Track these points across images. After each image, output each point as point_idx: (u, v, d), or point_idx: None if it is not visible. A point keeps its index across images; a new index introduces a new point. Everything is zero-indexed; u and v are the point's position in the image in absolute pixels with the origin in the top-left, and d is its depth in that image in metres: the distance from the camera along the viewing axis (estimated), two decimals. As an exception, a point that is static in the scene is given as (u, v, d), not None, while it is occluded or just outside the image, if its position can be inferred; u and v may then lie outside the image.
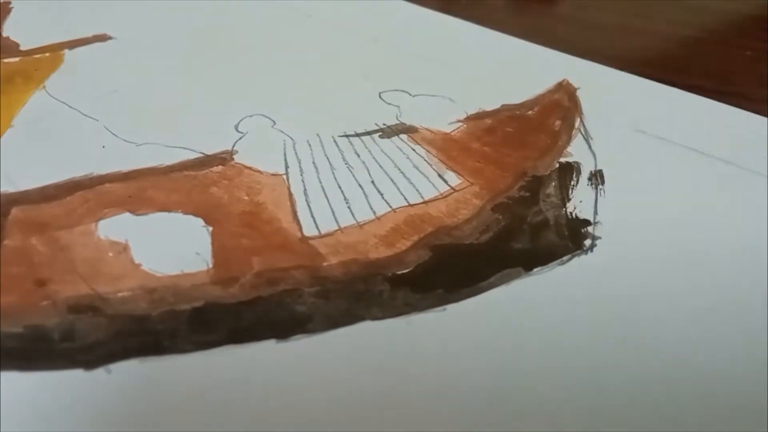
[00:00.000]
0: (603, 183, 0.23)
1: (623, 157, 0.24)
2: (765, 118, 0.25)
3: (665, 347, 0.18)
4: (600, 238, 0.21)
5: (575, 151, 0.24)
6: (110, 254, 0.20)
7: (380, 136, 0.25)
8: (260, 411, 0.16)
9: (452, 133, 0.25)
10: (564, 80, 0.28)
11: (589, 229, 0.21)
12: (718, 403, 0.16)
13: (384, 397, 0.17)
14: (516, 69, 0.30)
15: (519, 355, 0.18)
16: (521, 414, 0.16)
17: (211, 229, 0.21)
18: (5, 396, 0.17)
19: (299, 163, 0.24)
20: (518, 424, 0.16)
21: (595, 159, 0.24)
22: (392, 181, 0.23)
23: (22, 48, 0.33)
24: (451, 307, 0.19)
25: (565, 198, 0.22)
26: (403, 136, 0.25)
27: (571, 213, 0.21)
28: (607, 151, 0.24)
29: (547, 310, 0.19)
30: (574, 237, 0.21)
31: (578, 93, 0.27)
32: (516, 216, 0.21)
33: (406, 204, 0.22)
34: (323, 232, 0.21)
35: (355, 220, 0.22)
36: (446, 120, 0.26)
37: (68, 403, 0.16)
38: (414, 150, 0.25)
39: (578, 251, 0.20)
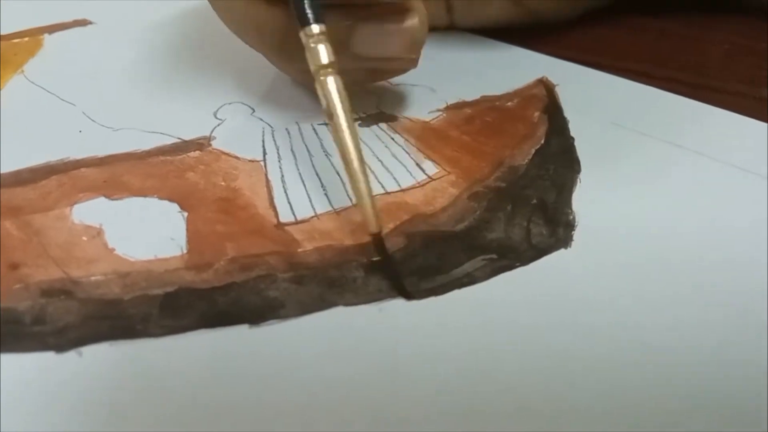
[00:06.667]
0: (580, 171, 0.23)
1: (600, 148, 0.24)
2: (738, 115, 0.25)
3: (643, 341, 0.18)
4: (576, 227, 0.21)
5: (553, 142, 0.24)
6: (84, 238, 0.20)
7: (360, 125, 0.25)
8: (231, 395, 0.16)
9: (431, 122, 0.26)
10: (543, 77, 0.28)
11: (565, 218, 0.21)
12: (702, 398, 0.17)
13: (355, 382, 0.17)
14: (495, 67, 0.29)
15: (490, 343, 0.18)
16: (492, 401, 0.16)
17: (186, 214, 0.21)
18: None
19: (277, 149, 0.24)
20: (489, 411, 0.16)
21: (573, 149, 0.24)
22: (370, 168, 0.23)
23: (0, 33, 0.33)
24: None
25: (540, 187, 0.22)
26: (383, 125, 0.25)
27: (546, 202, 0.22)
28: (584, 141, 0.24)
29: (521, 299, 0.19)
30: (550, 227, 0.21)
31: (557, 89, 0.27)
32: (491, 205, 0.22)
33: (384, 192, 0.22)
34: (299, 218, 0.21)
35: (332, 207, 0.22)
36: (426, 109, 0.26)
37: (39, 386, 0.16)
38: (393, 139, 0.25)
39: (553, 241, 0.20)
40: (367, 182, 0.19)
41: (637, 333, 0.18)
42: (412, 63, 0.24)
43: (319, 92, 0.20)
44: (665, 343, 0.17)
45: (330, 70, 0.20)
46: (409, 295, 0.19)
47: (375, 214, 0.19)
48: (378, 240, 0.19)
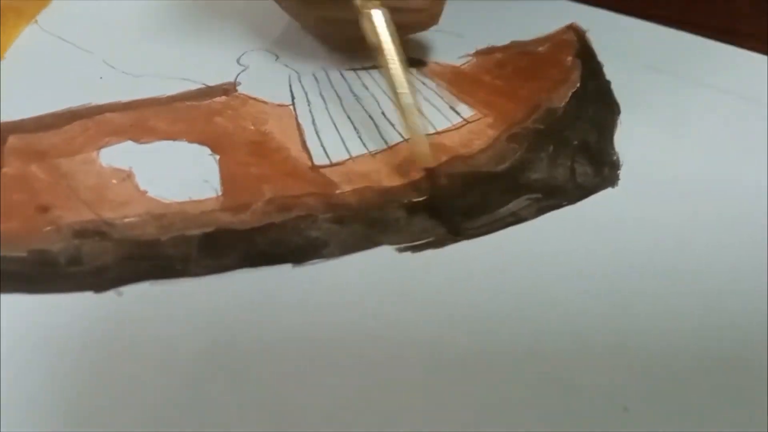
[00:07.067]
0: (620, 113, 0.22)
1: (637, 91, 0.23)
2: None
3: (693, 275, 0.17)
4: (621, 166, 0.20)
5: (589, 85, 0.24)
6: (114, 181, 0.20)
7: (389, 70, 0.25)
8: (274, 333, 0.16)
9: (462, 67, 0.25)
10: (572, 23, 0.27)
11: (609, 158, 0.20)
12: (736, 323, 0.16)
13: (400, 320, 0.16)
14: (523, 14, 0.29)
15: (536, 283, 0.17)
16: (544, 335, 0.16)
17: (218, 157, 0.21)
18: (11, 318, 0.16)
19: (306, 94, 0.23)
20: (540, 345, 0.16)
21: (611, 92, 0.23)
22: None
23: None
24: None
25: (580, 129, 0.22)
26: (413, 70, 0.25)
27: (588, 143, 0.21)
28: (621, 84, 0.24)
29: (570, 237, 0.18)
30: (595, 166, 0.20)
31: (588, 35, 0.27)
32: (532, 146, 0.21)
33: (419, 134, 0.22)
34: (334, 161, 0.21)
35: (367, 149, 0.21)
36: (455, 55, 0.26)
37: (79, 324, 0.16)
38: (424, 83, 0.24)
39: (599, 180, 0.20)
40: (420, 115, 0.19)
41: (689, 269, 0.17)
42: (434, 18, 0.23)
43: (365, 27, 0.19)
44: (712, 277, 0.17)
45: (375, 2, 0.19)
46: (457, 231, 0.18)
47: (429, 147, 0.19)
48: (431, 174, 0.19)
